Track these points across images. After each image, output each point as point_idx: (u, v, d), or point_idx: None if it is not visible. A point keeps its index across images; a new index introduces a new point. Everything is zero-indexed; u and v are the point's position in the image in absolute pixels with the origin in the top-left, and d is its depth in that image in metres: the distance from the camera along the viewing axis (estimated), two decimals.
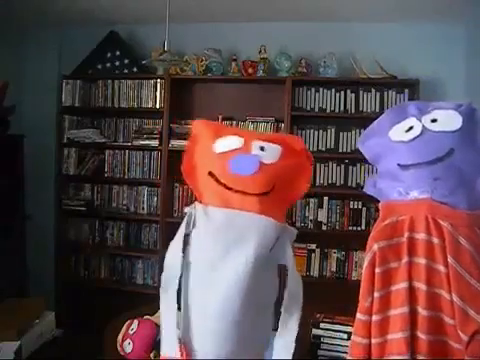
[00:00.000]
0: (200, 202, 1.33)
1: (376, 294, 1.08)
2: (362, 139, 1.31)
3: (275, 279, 1.27)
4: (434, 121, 1.14)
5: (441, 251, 1.03)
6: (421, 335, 1.03)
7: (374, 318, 1.08)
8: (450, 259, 1.01)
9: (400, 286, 1.07)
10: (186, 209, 1.33)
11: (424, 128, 1.13)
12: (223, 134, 1.38)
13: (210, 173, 1.32)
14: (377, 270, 1.08)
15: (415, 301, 1.05)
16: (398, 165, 1.15)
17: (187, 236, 1.28)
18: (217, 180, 1.29)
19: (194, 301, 1.24)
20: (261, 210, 1.25)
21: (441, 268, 1.03)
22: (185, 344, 1.21)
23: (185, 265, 1.25)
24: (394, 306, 1.06)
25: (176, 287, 1.24)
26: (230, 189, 1.27)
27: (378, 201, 1.22)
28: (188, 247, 1.27)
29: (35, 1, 3.19)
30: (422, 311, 1.04)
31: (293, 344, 1.21)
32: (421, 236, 1.06)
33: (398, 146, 1.16)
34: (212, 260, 1.23)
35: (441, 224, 1.04)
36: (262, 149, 1.31)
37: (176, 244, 1.29)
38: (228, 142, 1.34)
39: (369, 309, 1.09)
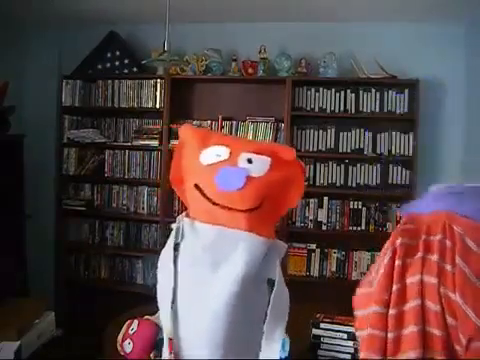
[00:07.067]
0: (187, 215, 1.31)
1: (394, 287, 1.08)
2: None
3: (264, 296, 1.24)
4: None
5: (451, 252, 1.05)
6: (433, 330, 1.04)
7: (391, 311, 1.08)
8: (458, 259, 1.02)
9: (414, 279, 1.08)
10: (173, 225, 1.31)
11: None
12: (210, 143, 1.30)
13: (196, 185, 1.25)
14: (397, 262, 1.09)
15: (426, 296, 1.06)
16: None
17: (177, 245, 1.28)
18: (203, 194, 1.23)
19: (183, 314, 1.24)
20: (249, 227, 1.20)
21: (449, 268, 1.04)
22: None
23: (175, 274, 1.25)
24: (408, 299, 1.07)
25: (171, 299, 1.25)
26: (216, 204, 1.20)
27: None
28: (178, 256, 1.27)
29: (35, 1, 3.19)
30: (432, 306, 1.04)
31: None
32: (436, 238, 1.08)
33: None
34: (199, 277, 1.23)
35: (455, 229, 1.06)
36: (250, 161, 1.23)
37: (167, 256, 1.29)
38: (214, 152, 1.27)
39: (387, 302, 1.08)
